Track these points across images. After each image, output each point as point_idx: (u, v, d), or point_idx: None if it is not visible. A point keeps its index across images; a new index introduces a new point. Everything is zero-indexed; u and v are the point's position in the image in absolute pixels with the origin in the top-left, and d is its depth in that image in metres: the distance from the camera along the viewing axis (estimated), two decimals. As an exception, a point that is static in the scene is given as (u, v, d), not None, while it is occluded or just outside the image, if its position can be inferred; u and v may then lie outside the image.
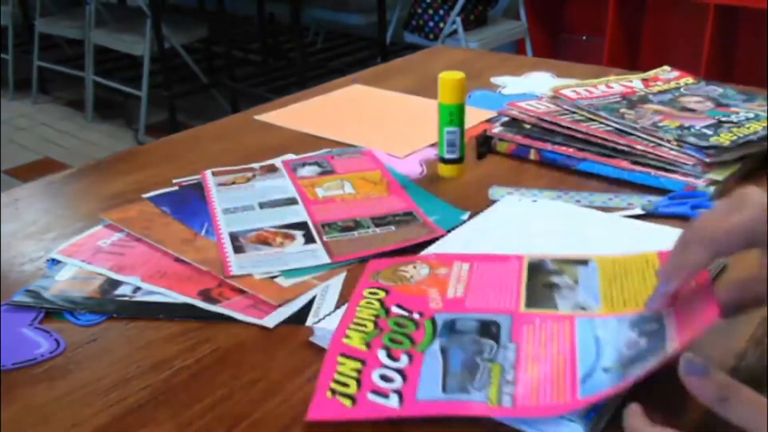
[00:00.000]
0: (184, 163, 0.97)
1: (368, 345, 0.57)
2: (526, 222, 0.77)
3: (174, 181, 0.91)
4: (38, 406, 0.56)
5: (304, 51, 3.30)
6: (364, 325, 0.59)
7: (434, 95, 0.90)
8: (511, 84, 1.25)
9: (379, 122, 1.11)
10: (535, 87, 1.21)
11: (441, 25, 3.18)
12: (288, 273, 0.71)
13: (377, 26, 3.31)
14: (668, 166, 0.86)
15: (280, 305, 0.66)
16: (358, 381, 0.54)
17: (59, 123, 3.56)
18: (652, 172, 0.86)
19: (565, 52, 3.47)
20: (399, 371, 0.54)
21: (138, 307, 0.67)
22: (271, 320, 0.64)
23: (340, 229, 0.79)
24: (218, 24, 3.52)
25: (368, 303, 0.62)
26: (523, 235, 0.74)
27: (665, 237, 0.73)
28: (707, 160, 0.84)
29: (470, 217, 0.81)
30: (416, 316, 0.60)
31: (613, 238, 0.73)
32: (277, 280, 0.70)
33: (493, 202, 0.84)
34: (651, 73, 1.11)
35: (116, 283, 0.70)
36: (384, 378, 0.54)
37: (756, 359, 0.58)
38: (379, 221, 0.80)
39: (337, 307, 0.65)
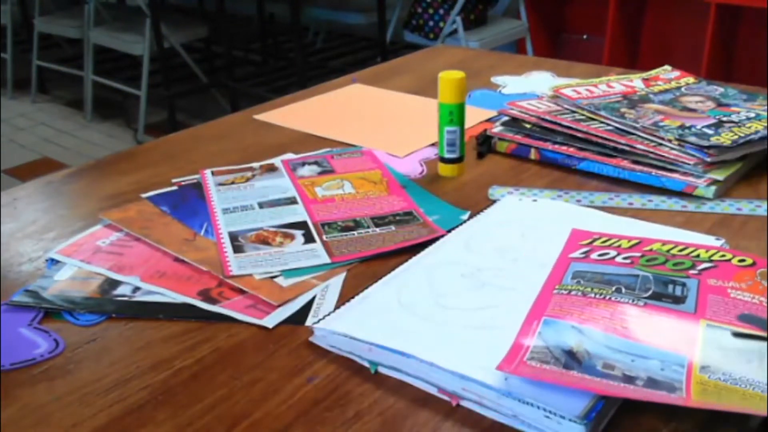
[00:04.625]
0: (184, 162, 0.97)
1: None
2: (527, 222, 0.77)
3: (173, 180, 0.91)
4: (37, 407, 0.56)
5: (304, 51, 3.30)
6: None
7: (434, 95, 0.90)
8: (511, 83, 1.25)
9: (379, 122, 1.11)
10: (535, 86, 1.21)
11: (441, 24, 3.18)
12: (288, 273, 0.71)
13: (377, 26, 3.31)
14: (669, 166, 0.86)
15: (280, 305, 0.66)
16: None
17: (58, 122, 3.56)
18: (653, 171, 0.86)
19: (565, 51, 3.47)
20: None
21: (137, 307, 0.67)
22: (271, 320, 0.64)
23: (339, 229, 0.78)
24: (218, 24, 3.51)
25: None
26: (523, 235, 0.74)
27: (666, 236, 0.73)
28: (708, 159, 0.83)
29: (470, 217, 0.81)
30: None
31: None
32: (276, 280, 0.70)
33: (493, 201, 0.84)
34: (652, 72, 1.11)
35: (116, 283, 0.70)
36: None
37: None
38: (379, 221, 0.80)
39: (337, 307, 0.65)
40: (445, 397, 0.55)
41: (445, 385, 0.55)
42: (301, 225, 0.80)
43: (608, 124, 0.92)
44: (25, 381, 0.58)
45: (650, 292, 0.60)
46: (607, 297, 0.60)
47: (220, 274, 0.71)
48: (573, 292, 0.61)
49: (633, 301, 0.59)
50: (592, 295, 0.60)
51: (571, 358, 0.53)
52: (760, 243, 0.74)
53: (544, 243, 0.72)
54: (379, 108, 1.17)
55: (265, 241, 0.76)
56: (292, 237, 0.77)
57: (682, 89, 1.04)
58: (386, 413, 0.54)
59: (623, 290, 0.61)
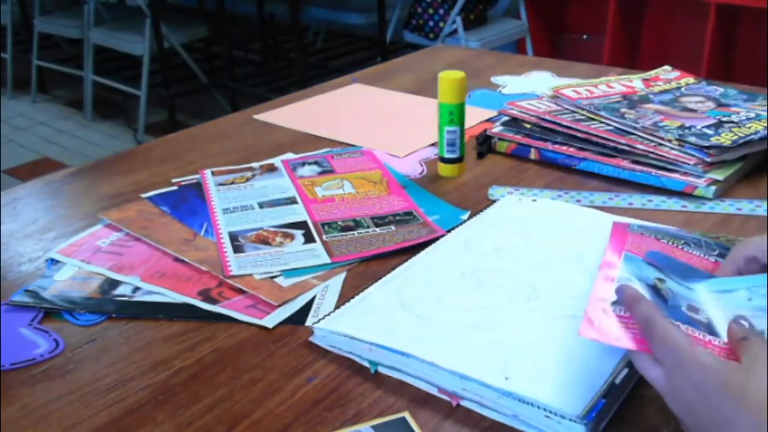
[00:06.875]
0: (184, 162, 0.97)
1: None
2: (526, 222, 0.77)
3: (173, 180, 0.91)
4: (37, 407, 0.56)
5: (304, 51, 3.30)
6: None
7: (434, 95, 0.90)
8: (511, 83, 1.25)
9: (379, 122, 1.11)
10: (535, 86, 1.21)
11: (441, 24, 3.17)
12: (288, 273, 0.71)
13: (377, 26, 3.31)
14: (669, 166, 0.86)
15: (280, 305, 0.66)
16: None
17: (58, 122, 3.56)
18: (653, 171, 0.86)
19: (565, 51, 3.46)
20: None
21: (137, 307, 0.67)
22: (271, 320, 0.64)
23: (340, 229, 0.78)
24: (218, 24, 3.51)
25: None
26: (524, 235, 0.74)
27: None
28: (708, 159, 0.83)
29: (470, 216, 0.81)
30: None
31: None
32: (277, 280, 0.70)
33: (493, 201, 0.84)
34: (652, 72, 1.11)
35: (115, 283, 0.70)
36: None
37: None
38: (379, 221, 0.80)
39: (337, 307, 0.65)
40: (445, 397, 0.55)
41: (445, 385, 0.55)
42: (301, 225, 0.80)
43: (608, 124, 0.92)
44: (25, 381, 0.58)
45: (717, 252, 0.61)
46: (679, 246, 0.60)
47: (220, 274, 0.71)
48: (645, 234, 0.62)
49: (705, 255, 0.60)
50: (665, 241, 0.61)
51: (656, 295, 0.52)
52: (760, 243, 0.74)
53: (543, 243, 0.72)
54: (379, 108, 1.17)
55: (265, 241, 0.76)
56: (292, 237, 0.77)
57: (682, 89, 1.04)
58: (386, 413, 0.54)
59: (691, 245, 0.61)
